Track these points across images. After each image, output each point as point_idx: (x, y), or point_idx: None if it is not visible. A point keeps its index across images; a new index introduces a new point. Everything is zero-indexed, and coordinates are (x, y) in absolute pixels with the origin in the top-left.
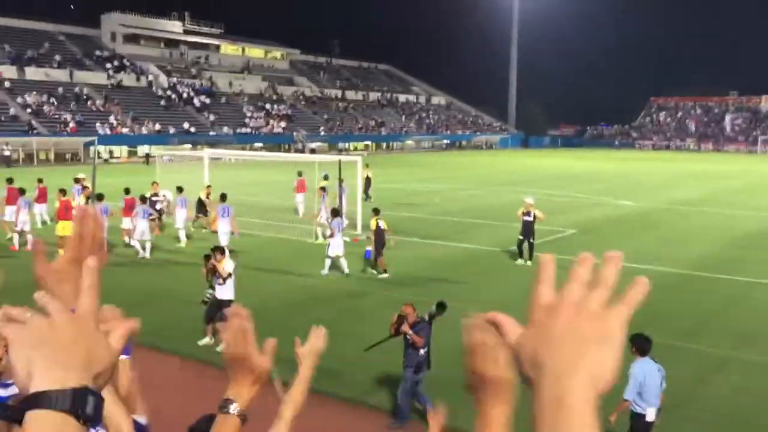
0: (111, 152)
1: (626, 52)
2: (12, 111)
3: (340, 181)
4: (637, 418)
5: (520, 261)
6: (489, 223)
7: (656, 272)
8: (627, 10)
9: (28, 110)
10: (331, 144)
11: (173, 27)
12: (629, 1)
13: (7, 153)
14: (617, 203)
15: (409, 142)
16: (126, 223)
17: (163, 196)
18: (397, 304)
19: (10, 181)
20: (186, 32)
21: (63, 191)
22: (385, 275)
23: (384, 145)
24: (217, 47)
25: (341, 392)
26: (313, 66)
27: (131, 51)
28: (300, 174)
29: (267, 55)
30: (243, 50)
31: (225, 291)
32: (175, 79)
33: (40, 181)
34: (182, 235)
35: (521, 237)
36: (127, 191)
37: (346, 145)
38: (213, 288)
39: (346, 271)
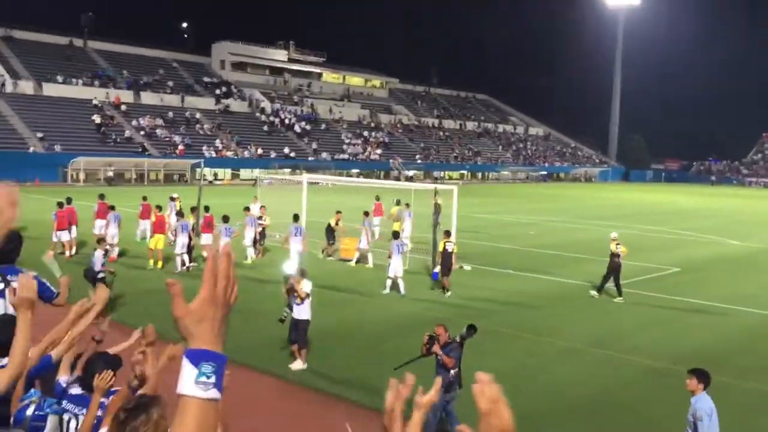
0: (216, 174)
1: (738, 84)
2: (127, 133)
3: (407, 205)
4: None
5: (618, 299)
6: (586, 258)
7: (756, 315)
8: (739, 40)
9: (142, 132)
10: (426, 172)
11: (278, 55)
12: (741, 32)
13: (110, 174)
14: (724, 242)
15: (505, 172)
16: (204, 239)
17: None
18: (485, 333)
19: (101, 196)
20: (290, 60)
21: (159, 207)
22: (449, 294)
23: (479, 174)
24: (319, 75)
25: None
26: (411, 95)
27: (238, 78)
28: (378, 198)
29: (367, 84)
30: (344, 78)
31: (303, 311)
32: (278, 106)
33: (144, 198)
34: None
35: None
36: (207, 209)
37: (442, 173)
38: (290, 308)
39: (403, 293)
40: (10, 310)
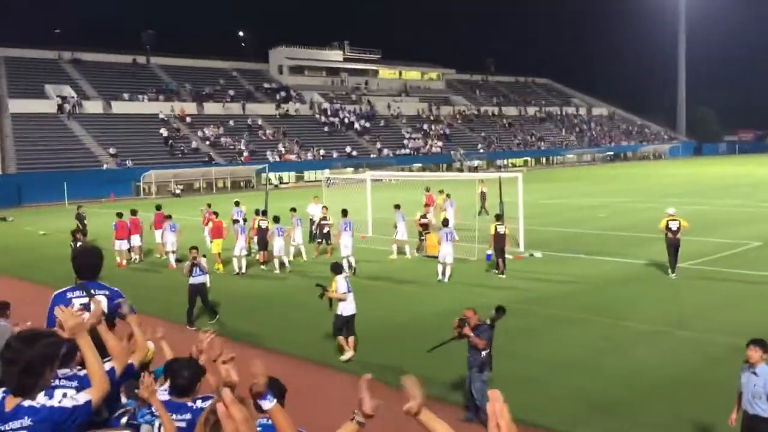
0: (280, 178)
1: None
2: (193, 144)
3: (448, 195)
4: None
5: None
6: (659, 237)
7: None
8: None
9: (207, 142)
10: (489, 161)
11: (334, 56)
12: None
13: (177, 191)
14: None
15: (570, 156)
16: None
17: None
18: (562, 322)
19: (158, 207)
20: (346, 60)
21: (216, 213)
22: (503, 276)
23: (543, 160)
24: (376, 72)
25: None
26: (469, 84)
27: (296, 81)
28: (428, 190)
29: (423, 77)
30: (400, 73)
31: (347, 306)
32: (337, 106)
33: (209, 206)
34: (349, 262)
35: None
36: (259, 212)
37: (505, 161)
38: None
39: (447, 279)
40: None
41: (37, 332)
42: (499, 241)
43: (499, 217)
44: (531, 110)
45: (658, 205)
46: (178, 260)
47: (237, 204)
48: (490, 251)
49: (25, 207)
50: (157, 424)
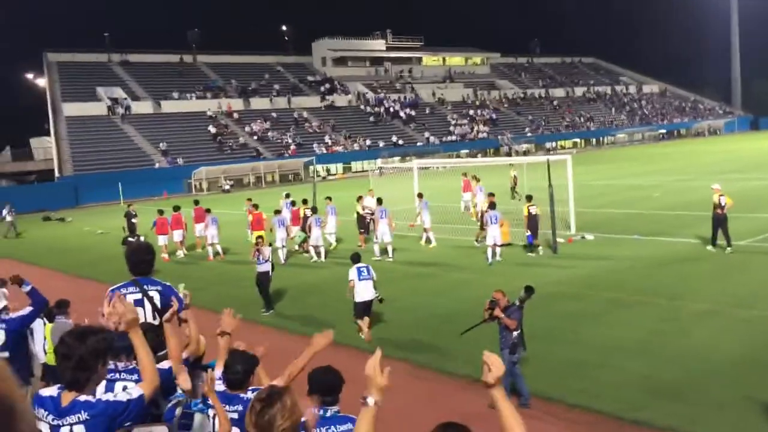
0: (328, 170)
1: None
2: (241, 140)
3: (477, 180)
4: None
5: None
6: None
7: None
8: None
9: (254, 137)
10: (537, 144)
11: (377, 45)
12: None
13: (226, 187)
14: None
15: (621, 135)
16: (295, 231)
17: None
18: (618, 305)
19: (196, 202)
20: (389, 49)
21: (255, 206)
22: (541, 253)
23: (593, 141)
24: (419, 59)
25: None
26: (514, 67)
27: (340, 73)
28: (465, 174)
29: (467, 62)
30: (443, 60)
31: (360, 294)
32: (381, 95)
33: (249, 200)
34: (378, 249)
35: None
36: (307, 201)
37: (553, 144)
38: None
39: (497, 259)
40: (150, 318)
41: (88, 328)
42: (533, 221)
43: (530, 198)
44: (579, 91)
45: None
46: (217, 253)
47: (287, 196)
48: (528, 233)
49: (82, 207)
50: (210, 413)
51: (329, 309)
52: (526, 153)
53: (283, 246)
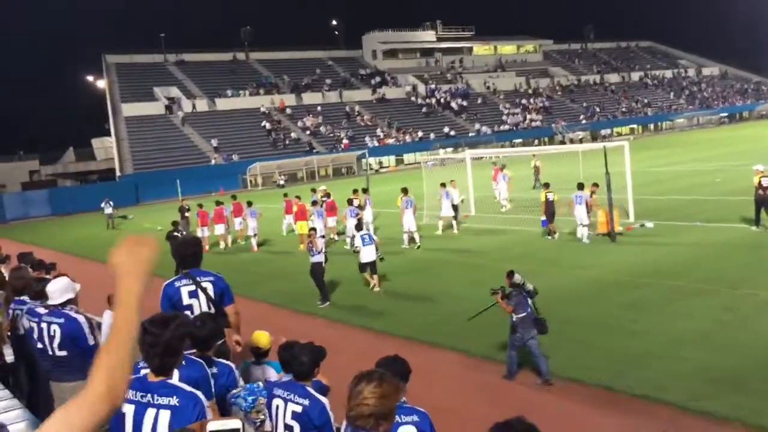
0: (380, 162)
1: None
2: (294, 135)
3: (502, 167)
4: None
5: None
6: None
7: None
8: None
9: (307, 132)
10: (593, 131)
11: (427, 36)
12: None
13: (280, 182)
14: None
15: (680, 120)
16: (330, 221)
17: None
18: (681, 294)
19: (234, 197)
20: (439, 39)
21: (298, 197)
22: (556, 236)
23: (651, 126)
24: (470, 49)
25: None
26: (567, 54)
27: (390, 65)
28: (494, 163)
29: (519, 50)
30: (495, 48)
31: (364, 256)
32: (432, 86)
33: (285, 195)
34: (411, 236)
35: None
36: (327, 196)
37: (609, 130)
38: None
39: (585, 242)
40: (204, 308)
41: (167, 315)
42: (549, 207)
43: (547, 185)
44: (635, 75)
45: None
46: (259, 244)
47: (313, 191)
48: (543, 218)
49: (142, 205)
50: (275, 405)
51: (377, 297)
52: (581, 141)
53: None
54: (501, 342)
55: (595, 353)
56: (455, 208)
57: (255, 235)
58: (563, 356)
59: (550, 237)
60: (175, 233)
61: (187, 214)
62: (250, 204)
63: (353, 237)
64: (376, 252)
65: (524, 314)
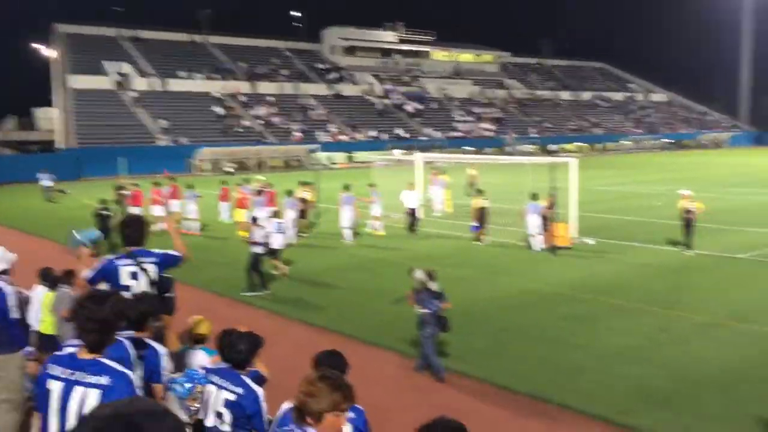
0: (331, 158)
1: None
2: (246, 123)
3: (438, 174)
4: None
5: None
6: (719, 228)
7: None
8: None
9: (260, 121)
10: (542, 146)
11: (388, 37)
12: None
13: (229, 169)
14: None
15: (626, 142)
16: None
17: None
18: (617, 311)
19: (173, 179)
20: (400, 41)
21: (240, 185)
22: (480, 243)
23: (599, 146)
24: (429, 54)
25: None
26: (523, 67)
27: (349, 62)
28: (433, 169)
29: (477, 59)
30: (454, 56)
31: (275, 242)
32: (389, 87)
33: (223, 182)
34: (347, 231)
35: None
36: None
37: (557, 147)
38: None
39: (537, 249)
40: (145, 289)
41: (104, 292)
42: (481, 213)
43: (481, 192)
44: (586, 95)
45: (716, 195)
46: (200, 229)
47: (246, 182)
48: (474, 224)
49: (84, 180)
50: (208, 391)
51: (323, 295)
52: (530, 154)
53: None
54: (441, 345)
55: (531, 363)
56: (414, 211)
57: (195, 218)
58: (499, 364)
59: (479, 243)
60: (103, 211)
61: (124, 192)
62: (190, 187)
63: (294, 228)
64: (284, 242)
65: (427, 311)
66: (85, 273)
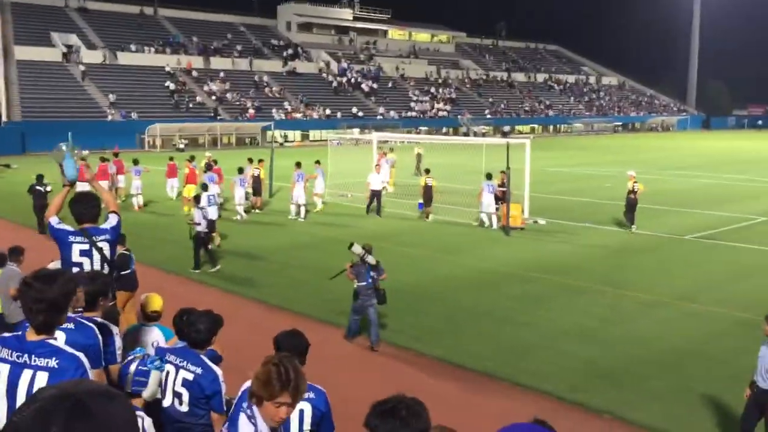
0: (285, 136)
1: None
2: (199, 99)
3: (385, 153)
4: None
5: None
6: (667, 209)
7: None
8: None
9: (213, 97)
10: (496, 127)
11: (344, 14)
12: None
13: (181, 146)
14: None
15: (578, 124)
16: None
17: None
18: (568, 291)
19: (116, 155)
20: (355, 19)
21: (191, 159)
22: (429, 220)
23: (551, 127)
24: (385, 33)
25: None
26: (479, 48)
27: (304, 39)
28: (380, 148)
29: (433, 39)
30: (410, 35)
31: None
32: (344, 65)
33: (171, 159)
34: (299, 207)
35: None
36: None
37: (510, 128)
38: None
39: (495, 226)
40: (97, 267)
41: (53, 272)
42: (428, 191)
43: (428, 171)
44: (540, 77)
45: (664, 177)
46: (144, 204)
47: (251, 161)
48: (420, 201)
49: (29, 155)
50: (166, 371)
51: (270, 271)
52: (484, 135)
53: (242, 203)
54: (396, 325)
55: (485, 341)
56: (378, 193)
57: (139, 194)
58: (454, 342)
59: (426, 219)
60: (39, 186)
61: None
62: (136, 162)
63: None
64: (218, 213)
65: (364, 283)
66: (54, 218)
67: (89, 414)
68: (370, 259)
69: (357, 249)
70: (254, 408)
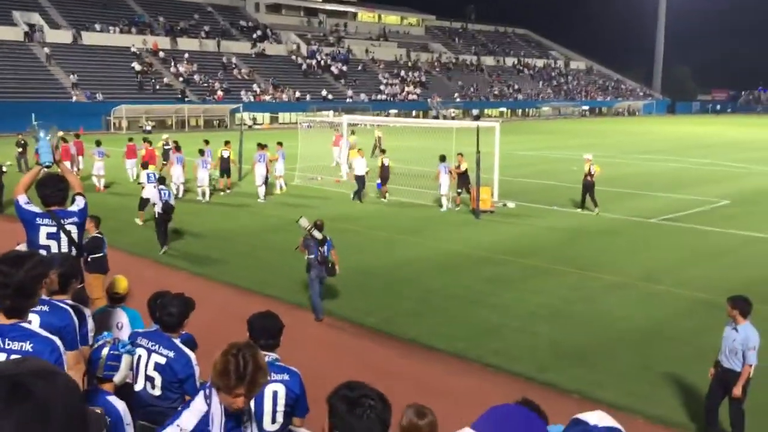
0: (254, 118)
1: None
2: (166, 80)
3: (346, 134)
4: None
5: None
6: (631, 192)
7: None
8: None
9: (180, 79)
10: (465, 110)
11: None
12: None
13: (147, 128)
14: None
15: (546, 108)
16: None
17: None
18: (535, 272)
19: (77, 136)
20: (325, 0)
21: (149, 142)
22: (385, 200)
23: (519, 111)
24: (355, 15)
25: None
26: (448, 32)
27: (273, 20)
28: (337, 130)
29: (403, 22)
30: (379, 17)
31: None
32: (314, 47)
33: (130, 140)
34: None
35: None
36: (203, 151)
37: (479, 111)
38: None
39: (446, 208)
40: (65, 250)
41: (22, 253)
42: (385, 171)
43: (384, 152)
44: (509, 61)
45: (629, 161)
46: (106, 186)
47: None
48: (378, 181)
49: None
50: (138, 355)
51: (220, 250)
52: (453, 118)
53: (205, 185)
54: (367, 307)
55: (455, 323)
56: (362, 178)
57: (102, 175)
58: (424, 324)
59: (383, 199)
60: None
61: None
62: (98, 144)
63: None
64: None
65: (312, 256)
66: (23, 197)
67: (29, 396)
68: (317, 234)
69: (303, 222)
70: (213, 390)
